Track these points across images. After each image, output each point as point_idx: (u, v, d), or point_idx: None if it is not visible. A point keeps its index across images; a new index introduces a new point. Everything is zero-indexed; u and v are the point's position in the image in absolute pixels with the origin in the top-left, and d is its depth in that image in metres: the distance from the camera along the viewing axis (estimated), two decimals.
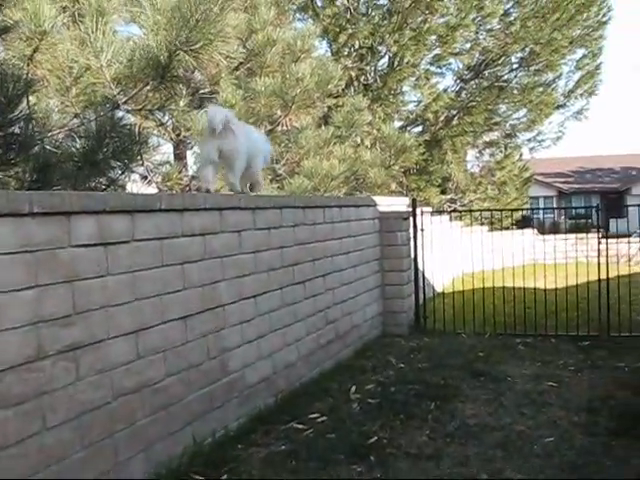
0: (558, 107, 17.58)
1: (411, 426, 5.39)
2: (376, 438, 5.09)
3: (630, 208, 9.13)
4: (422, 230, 9.10)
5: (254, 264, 5.55)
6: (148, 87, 6.16)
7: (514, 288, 9.11)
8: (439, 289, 11.76)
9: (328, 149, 10.80)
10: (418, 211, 9.18)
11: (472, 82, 16.61)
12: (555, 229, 25.34)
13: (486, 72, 16.76)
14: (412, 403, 5.94)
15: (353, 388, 6.34)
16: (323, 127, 11.77)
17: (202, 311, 4.80)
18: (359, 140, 12.14)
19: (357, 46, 13.98)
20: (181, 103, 8.89)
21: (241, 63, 10.61)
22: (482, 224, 15.78)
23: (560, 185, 48.92)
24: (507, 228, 17.23)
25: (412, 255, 9.18)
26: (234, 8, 9.76)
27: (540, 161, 46.21)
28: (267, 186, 10.24)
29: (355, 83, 14.18)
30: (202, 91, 10.77)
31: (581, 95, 17.49)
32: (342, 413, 5.68)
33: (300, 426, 5.33)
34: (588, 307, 8.68)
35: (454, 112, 15.73)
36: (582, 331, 8.60)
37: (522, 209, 17.51)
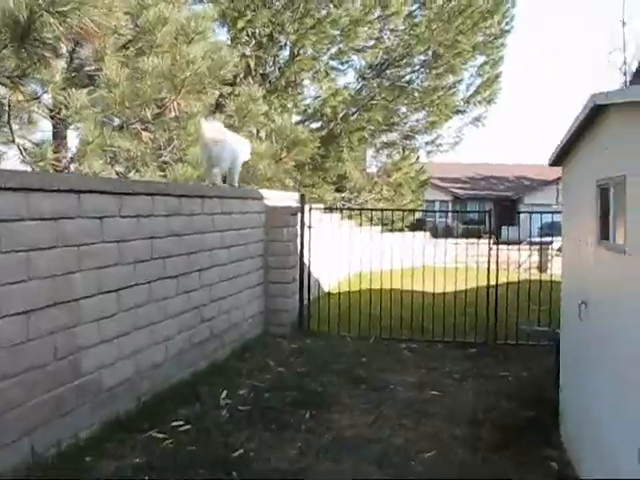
0: (458, 112, 17.54)
1: (283, 438, 4.99)
2: (242, 451, 4.67)
3: (522, 216, 9.03)
4: (310, 227, 8.73)
5: (118, 254, 5.02)
6: (5, 50, 5.50)
7: (402, 291, 8.89)
8: (326, 289, 11.44)
9: None
10: (307, 207, 8.79)
11: (373, 81, 16.36)
12: (448, 233, 25.58)
13: (388, 72, 16.56)
14: (286, 411, 5.54)
15: (224, 393, 5.88)
16: (216, 115, 11.25)
17: (50, 305, 4.24)
18: (254, 131, 11.67)
19: (256, 34, 13.49)
20: (57, 77, 8.22)
21: (130, 41, 9.97)
22: (375, 224, 15.59)
23: (456, 190, 49.69)
24: (401, 230, 17.12)
25: (299, 253, 8.79)
26: None
27: (437, 165, 46.67)
28: (151, 173, 9.66)
29: (253, 73, 13.69)
30: (87, 68, 10.09)
31: (480, 102, 17.50)
32: (208, 421, 5.21)
33: (160, 435, 4.84)
34: (476, 313, 8.51)
35: (353, 109, 15.41)
36: (469, 338, 8.43)
37: (415, 210, 17.40)
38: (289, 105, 13.90)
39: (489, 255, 8.71)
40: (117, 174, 9.37)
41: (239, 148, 7.98)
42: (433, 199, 44.02)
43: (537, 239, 18.47)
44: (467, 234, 19.52)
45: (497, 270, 8.58)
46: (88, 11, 5.54)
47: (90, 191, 4.63)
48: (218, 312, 7.02)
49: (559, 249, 20.92)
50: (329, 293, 10.06)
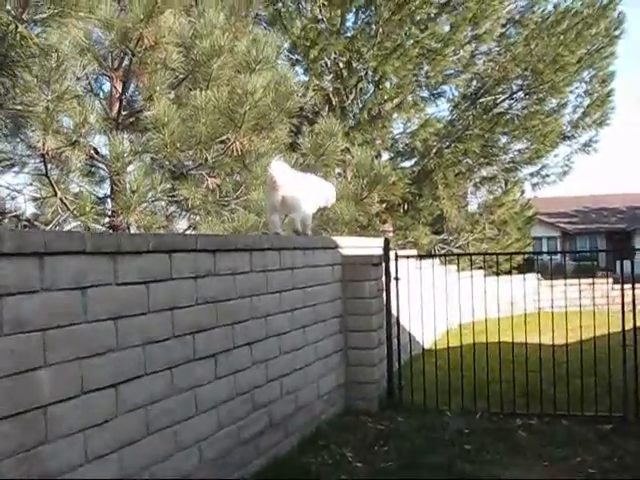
0: (564, 138, 15.62)
1: None
2: None
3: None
4: (397, 279, 7.22)
5: (114, 336, 3.67)
6: None
7: (513, 344, 7.19)
8: (422, 347, 9.85)
9: None
10: (392, 254, 7.31)
11: (468, 112, 14.83)
12: (560, 272, 23.48)
13: (483, 100, 15.00)
14: None
15: None
16: (288, 154, 9.99)
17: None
18: (332, 171, 10.34)
19: (331, 64, 12.26)
20: (92, 118, 7.13)
21: (182, 77, 8.86)
22: (480, 268, 13.92)
23: (564, 225, 47.06)
24: (508, 272, 15.34)
25: (384, 310, 7.29)
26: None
27: (542, 200, 44.39)
28: (209, 224, 8.45)
29: (332, 106, 12.45)
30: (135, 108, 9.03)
31: (590, 125, 15.53)
32: None
33: None
34: (609, 374, 6.75)
35: (447, 142, 13.88)
36: (602, 409, 6.66)
37: (521, 252, 15.59)
38: (374, 140, 12.49)
39: (632, 297, 6.92)
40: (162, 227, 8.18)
41: (317, 192, 6.92)
42: (540, 236, 41.73)
43: None
44: (579, 271, 17.45)
45: (634, 312, 6.81)
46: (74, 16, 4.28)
47: (66, 253, 3.32)
48: (279, 393, 5.59)
49: None
50: (424, 352, 8.37)
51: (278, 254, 5.64)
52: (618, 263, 30.00)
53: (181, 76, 8.74)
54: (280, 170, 6.39)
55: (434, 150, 13.74)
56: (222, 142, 8.65)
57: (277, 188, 6.29)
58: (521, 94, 14.63)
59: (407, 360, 8.19)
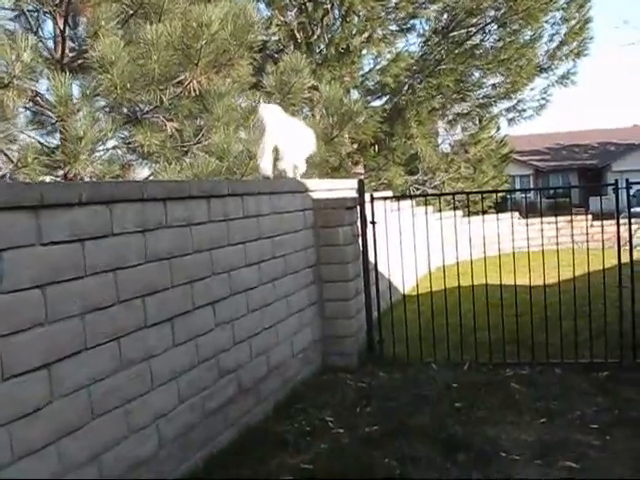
0: (541, 70, 14.80)
1: None
2: None
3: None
4: (373, 223, 6.64)
5: (42, 306, 3.06)
6: None
7: (501, 286, 6.64)
8: (402, 294, 9.30)
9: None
10: (368, 196, 6.72)
11: (440, 46, 14.01)
12: (532, 210, 23.20)
13: (455, 33, 14.21)
14: None
15: None
16: (250, 94, 9.31)
17: None
18: (300, 110, 9.65)
19: None
20: (25, 56, 6.38)
21: (132, 13, 8.09)
22: (455, 208, 13.38)
23: (536, 163, 46.64)
24: (484, 212, 14.83)
25: (361, 257, 6.72)
26: None
27: (515, 138, 43.79)
28: (170, 171, 7.79)
29: (297, 42, 11.66)
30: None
31: (567, 56, 14.76)
32: None
33: None
34: (605, 316, 6.29)
35: (419, 78, 13.11)
36: (597, 355, 6.19)
37: (498, 191, 15.00)
38: (345, 78, 11.72)
39: (629, 234, 6.41)
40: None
41: (304, 138, 6.88)
42: (513, 174, 41.26)
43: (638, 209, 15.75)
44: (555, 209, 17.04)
45: (619, 250, 6.30)
46: None
47: None
48: (249, 356, 5.03)
49: None
50: (405, 298, 7.73)
51: (240, 200, 5.02)
52: (591, 199, 29.78)
53: (130, 10, 7.97)
54: (271, 114, 6.31)
55: (406, 87, 13.01)
56: (179, 83, 7.95)
57: (268, 133, 6.19)
58: (494, 25, 13.86)
59: (387, 309, 7.70)
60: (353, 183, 7.11)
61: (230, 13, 7.91)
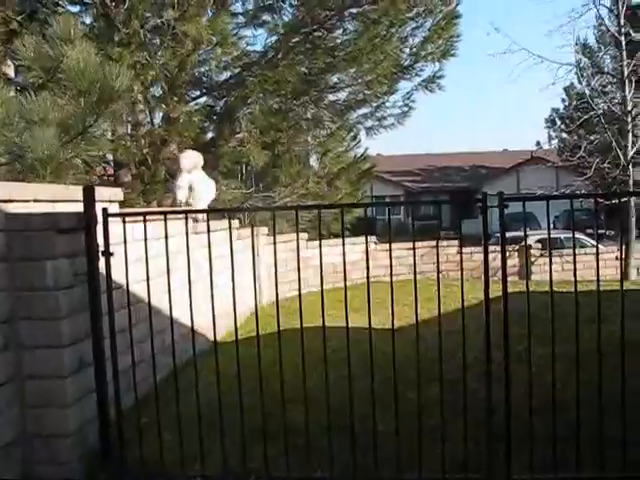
0: (403, 70, 12.60)
1: None
2: None
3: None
4: (111, 254, 4.14)
5: None
6: None
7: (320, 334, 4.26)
8: (208, 343, 6.75)
9: None
10: (100, 208, 4.22)
11: (283, 36, 11.50)
12: (401, 231, 21.49)
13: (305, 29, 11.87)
14: None
15: None
16: None
17: None
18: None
19: None
20: None
21: None
22: (304, 230, 11.15)
23: (408, 184, 45.60)
24: (337, 235, 12.66)
25: (91, 308, 4.21)
26: None
27: (386, 158, 42.58)
28: None
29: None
30: None
31: (432, 56, 12.59)
32: None
33: None
34: (465, 398, 4.05)
35: (255, 71, 10.57)
36: (453, 469, 3.94)
37: (347, 205, 12.52)
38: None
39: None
40: None
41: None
42: (384, 194, 39.76)
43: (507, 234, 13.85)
44: (424, 232, 15.10)
45: (487, 285, 4.11)
46: None
47: None
48: None
49: (543, 247, 16.59)
50: (195, 359, 5.08)
51: None
52: (464, 223, 28.31)
53: None
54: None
55: (235, 80, 10.52)
56: None
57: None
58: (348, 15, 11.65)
59: (166, 375, 5.13)
60: (75, 192, 4.53)
61: None
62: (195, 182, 7.93)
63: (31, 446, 4.07)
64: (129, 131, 10.41)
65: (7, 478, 3.93)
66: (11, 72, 9.77)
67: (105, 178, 11.38)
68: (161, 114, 10.63)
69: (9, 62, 9.60)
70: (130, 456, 4.23)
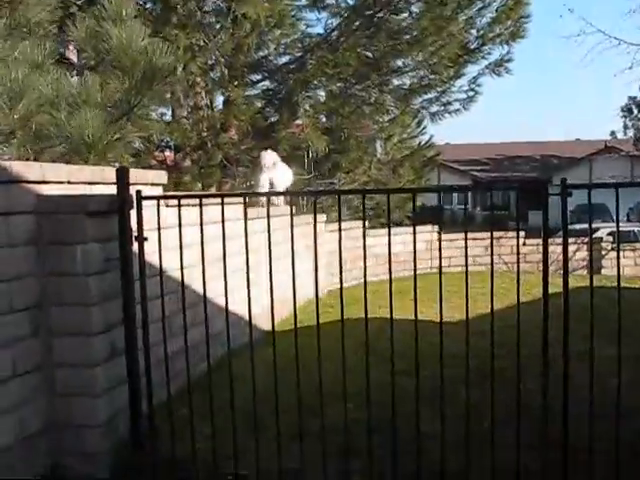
0: (468, 53, 12.12)
1: None
2: None
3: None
4: (142, 239, 3.94)
5: None
6: None
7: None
8: (259, 331, 6.45)
9: None
10: (146, 192, 4.03)
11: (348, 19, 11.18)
12: (470, 222, 20.85)
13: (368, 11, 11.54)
14: None
15: None
16: None
17: None
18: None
19: None
20: None
21: None
22: (359, 218, 10.86)
23: (476, 173, 44.66)
24: (397, 224, 12.35)
25: (124, 294, 4.01)
26: None
27: (454, 147, 41.83)
28: None
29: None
30: None
31: (500, 38, 12.03)
32: None
33: None
34: (519, 389, 3.70)
35: (313, 53, 10.23)
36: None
37: (403, 190, 11.99)
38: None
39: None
40: None
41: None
42: (451, 184, 38.97)
43: (577, 226, 13.26)
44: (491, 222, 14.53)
45: (546, 283, 3.73)
46: None
47: None
48: None
49: (613, 241, 15.76)
50: (251, 344, 4.75)
51: None
52: (531, 214, 27.55)
53: None
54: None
55: (296, 63, 10.26)
56: None
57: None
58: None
59: (219, 359, 4.85)
60: (109, 173, 4.32)
61: None
62: (276, 178, 8.71)
63: (59, 436, 3.92)
64: (187, 114, 10.29)
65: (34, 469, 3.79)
66: (74, 57, 9.74)
67: (165, 163, 11.30)
68: (221, 98, 10.49)
69: (71, 47, 9.57)
70: (163, 449, 4.04)
